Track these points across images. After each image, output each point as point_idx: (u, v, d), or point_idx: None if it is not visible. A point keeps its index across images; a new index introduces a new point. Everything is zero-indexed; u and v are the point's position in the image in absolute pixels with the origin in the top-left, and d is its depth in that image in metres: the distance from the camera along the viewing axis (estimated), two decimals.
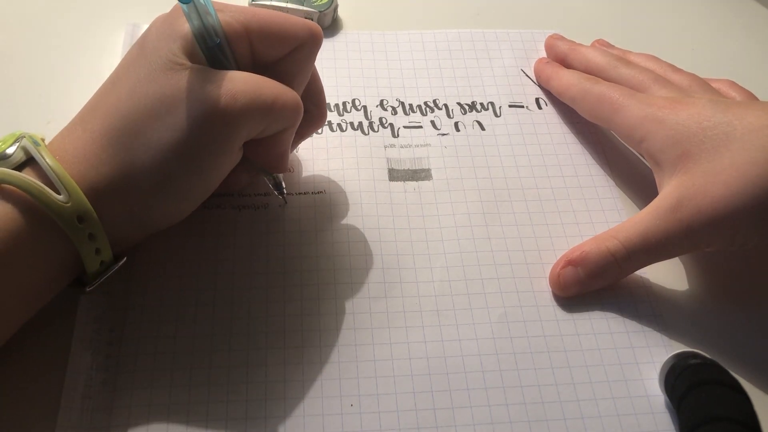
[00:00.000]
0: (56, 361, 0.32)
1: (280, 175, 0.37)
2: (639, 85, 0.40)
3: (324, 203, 0.39)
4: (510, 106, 0.45)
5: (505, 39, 0.48)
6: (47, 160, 0.29)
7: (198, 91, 0.29)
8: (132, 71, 0.31)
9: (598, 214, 0.40)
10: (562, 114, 0.44)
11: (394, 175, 0.40)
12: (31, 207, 0.28)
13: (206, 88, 0.29)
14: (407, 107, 0.44)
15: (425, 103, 0.44)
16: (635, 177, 0.42)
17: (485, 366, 0.34)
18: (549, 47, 0.47)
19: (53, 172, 0.29)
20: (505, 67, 0.46)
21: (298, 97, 0.32)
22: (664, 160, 0.36)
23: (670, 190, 0.35)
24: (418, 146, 0.42)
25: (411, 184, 0.40)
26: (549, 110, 0.45)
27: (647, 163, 0.39)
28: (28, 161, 0.29)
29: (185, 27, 0.30)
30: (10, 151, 0.29)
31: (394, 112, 0.44)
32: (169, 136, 0.29)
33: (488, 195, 0.40)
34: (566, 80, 0.43)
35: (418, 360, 0.34)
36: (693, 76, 0.40)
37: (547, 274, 0.37)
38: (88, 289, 0.31)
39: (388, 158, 0.41)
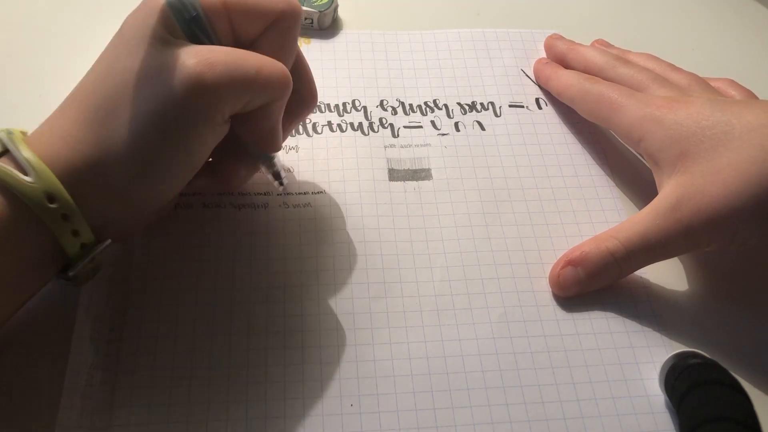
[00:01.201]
0: (56, 361, 0.32)
1: (278, 163, 0.36)
2: (638, 85, 0.40)
3: (324, 203, 0.39)
4: (510, 106, 0.45)
5: (505, 39, 0.48)
6: (16, 144, 0.29)
7: (177, 63, 0.29)
8: (110, 50, 0.31)
9: (598, 214, 0.40)
10: (562, 114, 0.44)
11: (394, 175, 0.41)
12: (6, 193, 0.28)
13: (184, 59, 0.29)
14: (407, 107, 0.44)
15: (425, 103, 0.44)
16: (635, 177, 0.42)
17: (485, 366, 0.34)
18: (548, 47, 0.47)
19: (21, 154, 0.28)
20: (505, 67, 0.47)
21: (285, 68, 0.31)
22: (662, 159, 0.36)
23: (669, 189, 0.35)
24: (418, 146, 0.42)
25: (411, 184, 0.40)
26: (549, 110, 0.45)
27: (646, 163, 0.39)
28: (6, 153, 0.29)
29: (160, 1, 0.29)
30: None
31: (394, 112, 0.44)
32: (147, 108, 0.29)
33: (488, 195, 0.40)
34: (565, 80, 0.43)
35: (418, 360, 0.34)
36: (692, 75, 0.40)
37: (547, 274, 0.37)
38: (70, 273, 0.30)
39: (388, 158, 0.41)
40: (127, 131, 0.29)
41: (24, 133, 0.30)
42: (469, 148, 0.42)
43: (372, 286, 0.36)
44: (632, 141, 0.38)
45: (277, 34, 0.32)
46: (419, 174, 0.41)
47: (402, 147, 0.42)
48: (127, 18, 0.31)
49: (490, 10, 0.50)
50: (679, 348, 0.34)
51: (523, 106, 0.45)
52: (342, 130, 0.42)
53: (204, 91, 0.29)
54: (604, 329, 0.35)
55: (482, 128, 0.43)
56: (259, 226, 0.37)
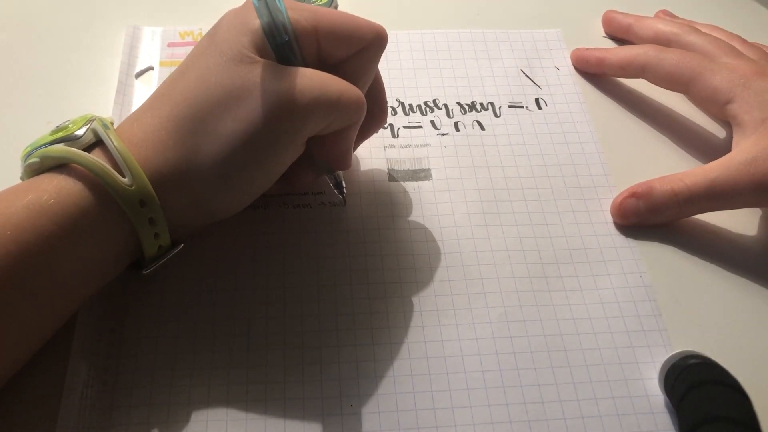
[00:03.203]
0: (56, 361, 0.32)
1: (341, 174, 0.37)
2: (710, 54, 0.41)
3: (323, 204, 0.39)
4: (510, 106, 0.45)
5: (505, 39, 0.48)
6: (114, 142, 0.30)
7: (267, 85, 0.30)
8: (202, 60, 0.31)
9: (598, 215, 0.40)
10: (562, 114, 0.44)
11: (394, 175, 0.41)
12: (98, 187, 0.29)
13: (275, 82, 0.30)
14: (407, 107, 0.44)
15: (425, 103, 0.44)
16: (636, 177, 0.41)
17: (485, 366, 0.34)
18: (608, 21, 0.48)
19: (120, 155, 0.29)
20: (505, 67, 0.47)
21: (362, 95, 0.32)
22: (747, 121, 0.38)
23: (747, 146, 0.37)
24: (417, 146, 0.42)
25: (411, 184, 0.40)
26: (549, 110, 0.45)
27: (724, 124, 0.41)
28: (98, 143, 0.30)
29: (256, 22, 0.31)
30: (79, 132, 0.30)
31: (394, 112, 0.44)
32: (236, 127, 0.30)
33: (488, 195, 0.40)
34: (627, 52, 0.43)
35: (417, 360, 0.34)
36: (760, 51, 0.42)
37: (548, 274, 0.37)
38: (144, 272, 0.32)
39: (388, 158, 0.41)
40: (214, 147, 0.30)
41: (111, 123, 0.31)
42: (468, 148, 0.42)
43: (372, 286, 0.36)
44: (717, 104, 0.39)
45: (361, 61, 0.33)
46: (419, 174, 0.41)
47: (402, 147, 0.42)
48: (222, 23, 0.32)
49: (490, 10, 0.50)
50: (679, 348, 0.34)
51: (522, 107, 0.45)
52: None
53: (292, 116, 0.30)
54: (604, 329, 0.35)
55: (482, 128, 0.43)
56: (258, 228, 0.37)
